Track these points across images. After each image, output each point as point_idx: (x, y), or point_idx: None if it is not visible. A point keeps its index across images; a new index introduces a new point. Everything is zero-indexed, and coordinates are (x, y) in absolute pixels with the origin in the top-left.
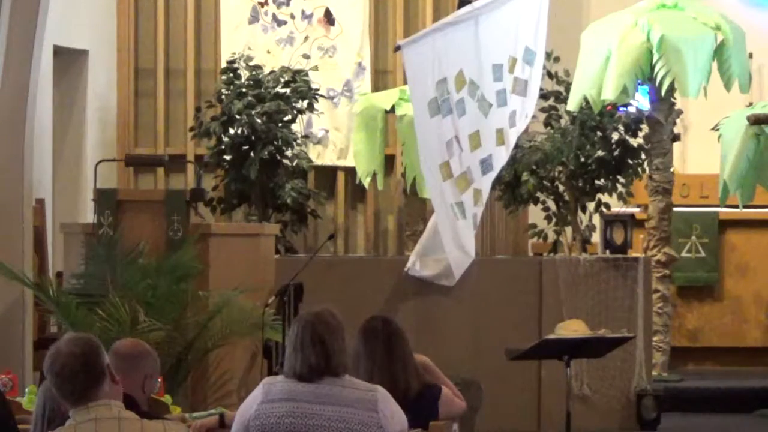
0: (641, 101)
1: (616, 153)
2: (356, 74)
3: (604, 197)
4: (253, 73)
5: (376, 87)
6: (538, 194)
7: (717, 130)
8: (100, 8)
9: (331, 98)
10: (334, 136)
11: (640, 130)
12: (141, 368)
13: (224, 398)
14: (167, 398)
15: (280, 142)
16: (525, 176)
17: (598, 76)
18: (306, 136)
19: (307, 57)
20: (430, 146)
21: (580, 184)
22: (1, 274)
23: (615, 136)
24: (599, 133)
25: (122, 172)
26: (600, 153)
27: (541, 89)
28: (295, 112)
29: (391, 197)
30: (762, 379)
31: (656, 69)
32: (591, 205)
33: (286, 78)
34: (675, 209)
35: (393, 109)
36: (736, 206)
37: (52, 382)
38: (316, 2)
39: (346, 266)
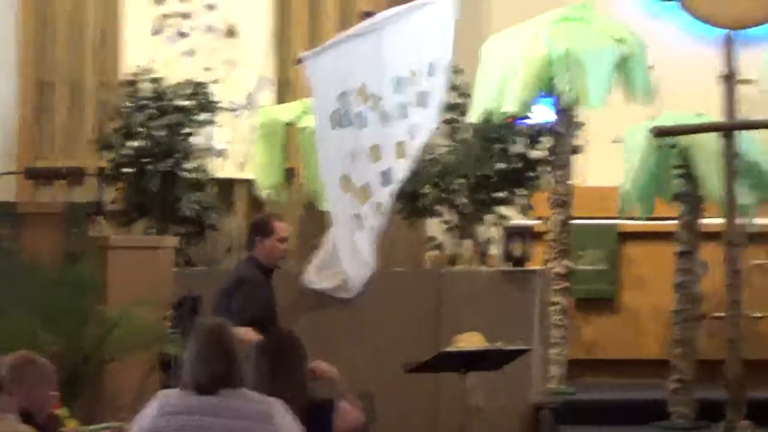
0: (543, 113)
1: (516, 165)
2: (259, 87)
3: (504, 210)
4: (155, 85)
5: (279, 99)
6: (438, 207)
7: (618, 142)
8: (1, 20)
9: (233, 111)
10: (235, 148)
11: (541, 142)
12: (35, 381)
13: (120, 411)
14: (64, 411)
15: (180, 155)
16: (426, 189)
17: (500, 88)
18: (207, 149)
19: (209, 69)
20: (331, 158)
21: (480, 197)
22: None
23: (516, 149)
24: (500, 146)
25: (22, 185)
26: (501, 165)
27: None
28: (196, 124)
29: (290, 210)
30: (659, 391)
31: (558, 81)
32: (491, 218)
33: (188, 91)
34: (574, 222)
35: (295, 121)
36: (636, 219)
37: None
38: (219, 15)
39: None
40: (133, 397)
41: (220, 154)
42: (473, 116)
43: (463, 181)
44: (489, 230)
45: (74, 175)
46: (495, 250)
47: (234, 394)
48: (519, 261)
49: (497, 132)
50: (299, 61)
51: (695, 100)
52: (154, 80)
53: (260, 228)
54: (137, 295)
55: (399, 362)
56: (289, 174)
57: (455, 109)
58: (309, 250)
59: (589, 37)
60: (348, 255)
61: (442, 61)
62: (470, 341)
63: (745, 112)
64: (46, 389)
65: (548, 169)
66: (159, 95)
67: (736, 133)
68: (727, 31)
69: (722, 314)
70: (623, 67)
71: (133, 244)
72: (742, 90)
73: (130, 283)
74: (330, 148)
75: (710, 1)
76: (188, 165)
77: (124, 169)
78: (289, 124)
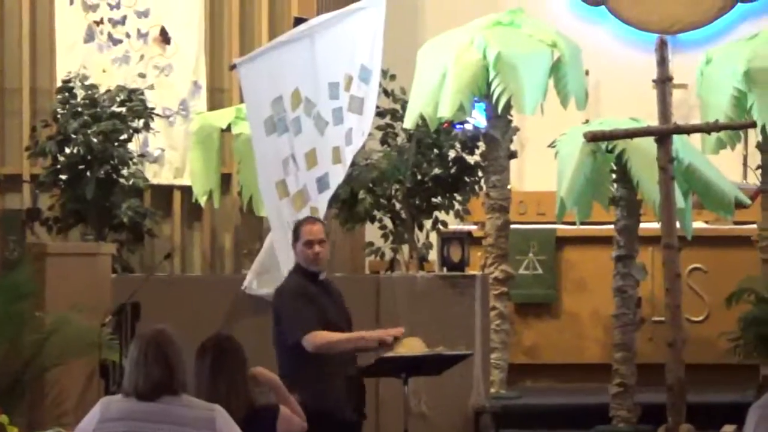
0: (478, 118)
1: (452, 170)
2: (192, 93)
3: (441, 215)
4: (89, 92)
5: (212, 106)
6: (375, 212)
7: (554, 147)
8: None
9: (167, 117)
10: (170, 155)
11: (477, 147)
12: None
13: (61, 417)
14: (4, 418)
15: (116, 162)
16: (362, 194)
17: (435, 93)
18: (142, 155)
19: (143, 76)
20: (267, 164)
21: (417, 202)
22: None
23: (452, 154)
24: (436, 151)
25: None
26: (437, 171)
27: (377, 107)
28: (131, 131)
29: (227, 216)
30: (599, 395)
31: (492, 86)
32: (428, 223)
33: (122, 97)
34: (512, 226)
35: (229, 127)
36: (573, 223)
37: None
38: (151, 21)
39: (182, 285)
40: (75, 404)
41: (156, 160)
42: (408, 121)
43: (399, 186)
44: (427, 235)
45: (10, 182)
46: (433, 256)
47: (175, 401)
48: (457, 266)
49: (433, 137)
50: (233, 66)
51: (634, 104)
52: (88, 87)
53: (293, 232)
54: (75, 301)
55: None
56: (226, 180)
57: (390, 114)
58: (245, 256)
59: (522, 42)
60: (286, 261)
61: (374, 67)
62: (410, 347)
63: (683, 117)
64: None
65: (484, 173)
66: (93, 102)
67: (674, 137)
68: (659, 35)
69: (662, 318)
70: (557, 71)
71: (70, 251)
72: (680, 95)
73: (68, 290)
74: (265, 154)
75: (638, 5)
76: (125, 171)
77: (60, 176)
78: (224, 130)
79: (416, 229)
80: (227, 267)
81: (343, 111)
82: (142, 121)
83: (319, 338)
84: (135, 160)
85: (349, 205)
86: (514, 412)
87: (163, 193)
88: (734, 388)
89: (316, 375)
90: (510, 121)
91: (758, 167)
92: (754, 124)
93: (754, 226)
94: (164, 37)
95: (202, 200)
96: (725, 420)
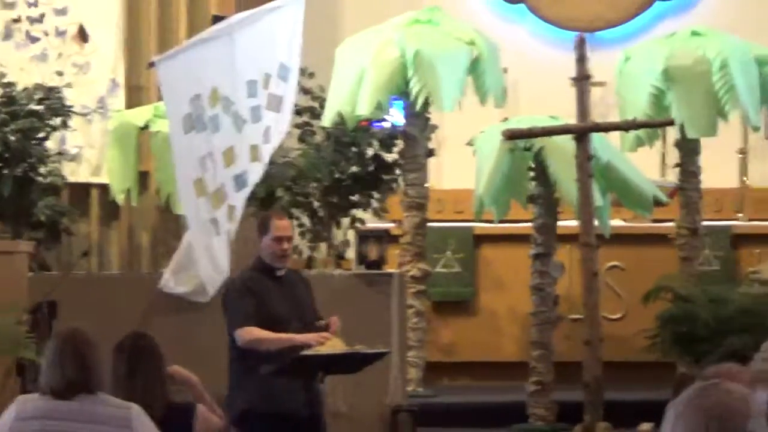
0: (396, 116)
1: (370, 168)
2: (110, 91)
3: (359, 213)
4: (7, 90)
5: (130, 104)
6: (293, 210)
7: (472, 145)
8: None
9: (85, 115)
10: (87, 153)
11: (395, 145)
12: None
13: None
14: None
15: (33, 160)
16: (280, 192)
17: (353, 91)
18: (60, 153)
19: (60, 74)
20: (185, 162)
21: (335, 200)
22: None
23: (369, 152)
24: (354, 149)
25: None
26: (354, 169)
27: (295, 105)
28: (48, 129)
29: (145, 214)
30: (516, 393)
31: (411, 84)
32: (346, 221)
33: (40, 95)
34: (430, 224)
35: (147, 125)
36: (491, 221)
37: None
38: (69, 19)
39: (100, 283)
40: None
41: (74, 158)
42: (326, 119)
43: (317, 184)
44: (345, 233)
45: None
46: (351, 254)
47: (91, 399)
48: (375, 264)
49: (351, 135)
50: (151, 64)
51: (552, 102)
52: (6, 85)
53: (259, 226)
54: None
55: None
56: (144, 178)
57: (308, 112)
58: (163, 254)
59: (440, 40)
60: (203, 259)
61: (293, 65)
62: (329, 345)
63: (601, 115)
64: None
65: (402, 172)
66: (10, 100)
67: (592, 135)
68: (578, 33)
69: (579, 316)
70: (475, 69)
71: None
72: (598, 92)
73: None
74: (183, 152)
75: (557, 3)
76: (42, 169)
77: None
78: (142, 128)
79: (334, 227)
80: (144, 265)
81: (261, 109)
82: (60, 119)
83: (248, 334)
84: (53, 158)
85: (266, 203)
86: (431, 410)
87: (81, 191)
88: (651, 386)
89: (257, 370)
90: (428, 119)
91: (676, 165)
92: (672, 122)
93: (672, 224)
94: (82, 35)
95: (120, 198)
96: (642, 418)
